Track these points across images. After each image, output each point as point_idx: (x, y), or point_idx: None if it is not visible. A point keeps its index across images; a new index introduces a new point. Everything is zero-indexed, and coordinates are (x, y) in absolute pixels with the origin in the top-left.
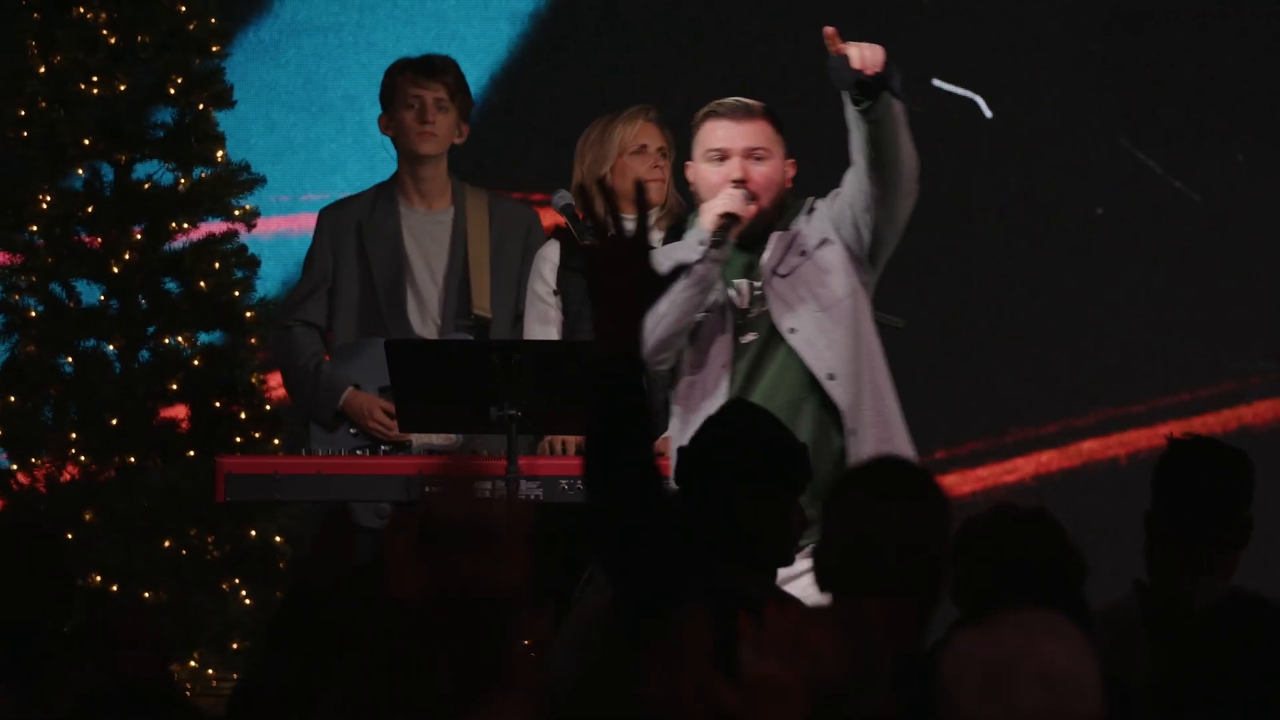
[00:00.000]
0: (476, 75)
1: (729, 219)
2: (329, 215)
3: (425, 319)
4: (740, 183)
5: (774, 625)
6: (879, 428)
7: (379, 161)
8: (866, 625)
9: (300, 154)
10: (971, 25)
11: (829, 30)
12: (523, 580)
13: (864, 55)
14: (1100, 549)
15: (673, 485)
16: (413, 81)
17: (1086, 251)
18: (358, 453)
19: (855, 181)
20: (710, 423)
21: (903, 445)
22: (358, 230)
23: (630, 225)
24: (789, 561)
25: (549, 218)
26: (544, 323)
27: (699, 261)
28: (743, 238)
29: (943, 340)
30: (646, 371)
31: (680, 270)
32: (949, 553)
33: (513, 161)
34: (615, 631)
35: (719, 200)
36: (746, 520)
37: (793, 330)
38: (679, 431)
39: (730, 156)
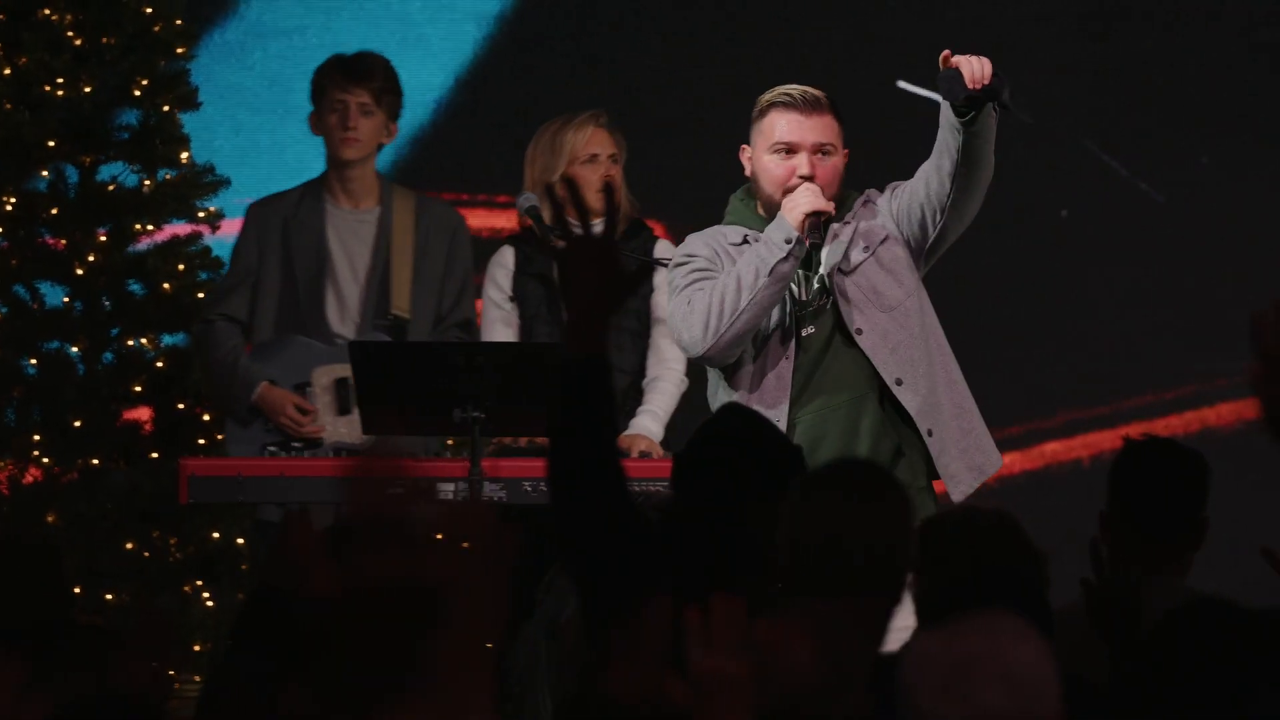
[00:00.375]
0: (442, 77)
1: (815, 217)
2: (256, 211)
3: (344, 317)
4: (808, 179)
5: (720, 619)
6: (960, 419)
7: None
8: (835, 627)
9: (265, 156)
10: (936, 26)
11: (945, 53)
12: (454, 579)
13: (974, 70)
14: (1064, 550)
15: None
16: (338, 85)
17: (1051, 253)
18: (269, 449)
19: (935, 181)
20: (706, 426)
21: (983, 436)
22: (284, 226)
23: (598, 227)
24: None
25: (510, 220)
26: (501, 326)
27: (784, 260)
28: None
29: None
30: (613, 372)
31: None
32: (912, 554)
33: (478, 163)
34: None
35: (802, 199)
36: (745, 522)
37: (859, 331)
38: None
39: (799, 151)
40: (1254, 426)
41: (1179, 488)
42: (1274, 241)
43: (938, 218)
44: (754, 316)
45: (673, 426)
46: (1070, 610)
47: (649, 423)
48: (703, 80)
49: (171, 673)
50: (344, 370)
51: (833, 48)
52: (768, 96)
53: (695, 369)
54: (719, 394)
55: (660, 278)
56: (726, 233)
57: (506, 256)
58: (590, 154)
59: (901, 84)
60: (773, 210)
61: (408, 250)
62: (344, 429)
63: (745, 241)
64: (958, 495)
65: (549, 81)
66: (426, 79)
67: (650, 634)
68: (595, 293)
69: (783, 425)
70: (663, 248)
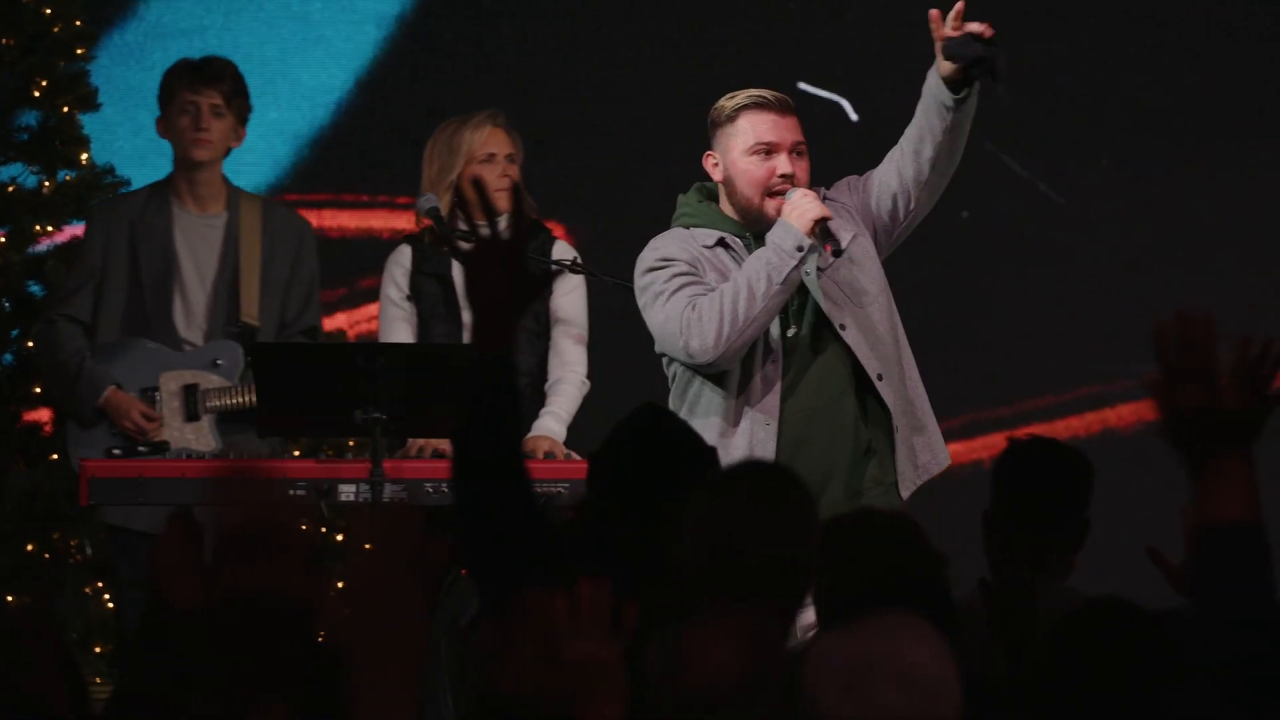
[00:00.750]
0: (343, 78)
1: (823, 222)
2: (102, 211)
3: (191, 323)
4: (788, 178)
5: (591, 605)
6: (921, 416)
7: (244, 165)
8: (753, 629)
9: (166, 157)
10: (838, 29)
11: (934, 13)
12: (322, 587)
13: (984, 27)
14: (967, 551)
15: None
16: (188, 87)
17: (952, 255)
18: (114, 453)
19: (910, 168)
20: (622, 426)
21: (935, 434)
22: (130, 229)
23: (504, 227)
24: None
25: (410, 222)
26: (397, 326)
27: (796, 268)
28: (765, 231)
29: None
30: (518, 373)
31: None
32: (815, 556)
33: (378, 164)
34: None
35: (808, 206)
36: (659, 522)
37: (844, 327)
38: (751, 428)
39: (779, 151)
40: (1153, 429)
41: (1062, 488)
42: (1172, 242)
43: (910, 205)
44: (765, 323)
45: (576, 428)
46: (969, 609)
47: (552, 424)
48: (601, 82)
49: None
50: (192, 376)
51: (734, 51)
52: (735, 101)
53: (604, 370)
54: (701, 397)
55: (558, 278)
56: (696, 235)
57: (404, 255)
58: (488, 153)
59: (802, 86)
60: (749, 213)
61: (255, 257)
62: (191, 435)
63: (721, 244)
64: (905, 492)
65: (449, 82)
66: (326, 80)
67: (531, 627)
68: (502, 294)
69: (773, 428)
70: (560, 249)
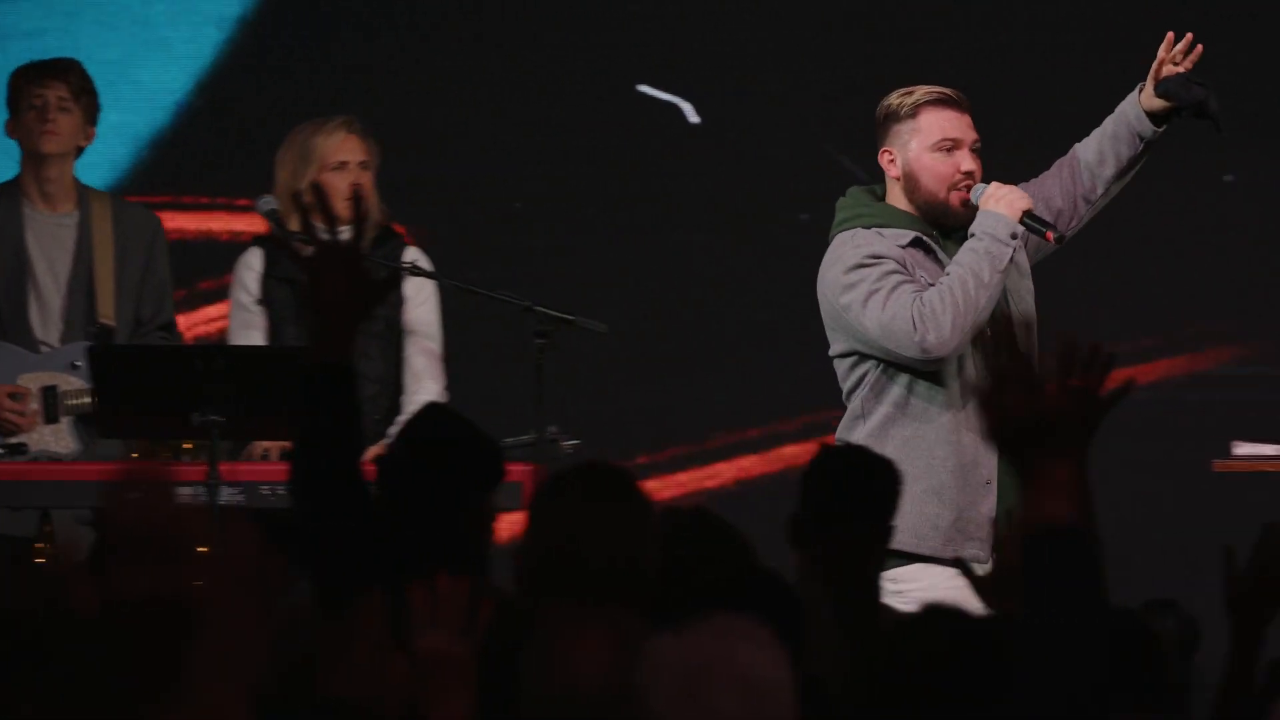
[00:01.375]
0: (183, 80)
1: (1030, 212)
2: None
3: (48, 324)
4: (970, 175)
5: (445, 600)
6: None
7: (84, 166)
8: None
9: (10, 158)
10: (677, 30)
11: (1169, 37)
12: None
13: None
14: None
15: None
16: (35, 82)
17: (791, 256)
18: None
19: (1084, 183)
20: (407, 428)
21: None
22: None
23: (345, 234)
24: (487, 562)
25: (250, 224)
26: (247, 330)
27: (1010, 256)
28: (944, 230)
29: (647, 344)
30: (357, 380)
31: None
32: (656, 557)
33: (218, 166)
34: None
35: (1015, 196)
36: (444, 522)
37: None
38: (917, 433)
39: (961, 147)
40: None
41: (868, 495)
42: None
43: (1070, 221)
44: (989, 313)
45: None
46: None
47: None
48: (443, 84)
49: None
50: (50, 378)
51: (575, 54)
52: (914, 96)
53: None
54: (913, 398)
55: (411, 287)
56: (887, 235)
57: (254, 259)
58: (339, 161)
59: (642, 88)
60: (933, 208)
61: (109, 256)
62: (50, 437)
63: (916, 243)
64: None
65: (290, 85)
66: (168, 82)
67: (366, 627)
68: (340, 300)
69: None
70: (411, 254)
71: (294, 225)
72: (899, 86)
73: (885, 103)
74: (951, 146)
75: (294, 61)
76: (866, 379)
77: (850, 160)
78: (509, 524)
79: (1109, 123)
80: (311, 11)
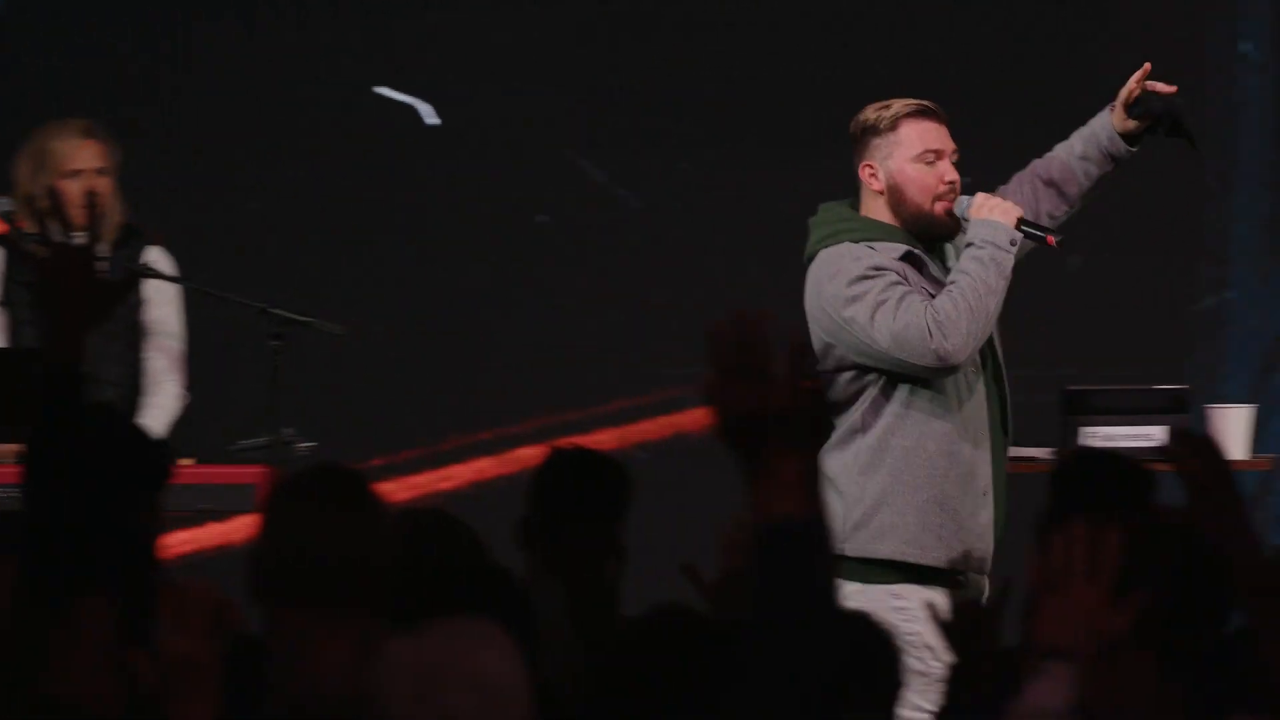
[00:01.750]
0: None
1: (1023, 218)
2: None
3: None
4: (953, 185)
5: (195, 604)
6: None
7: None
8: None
9: None
10: (417, 31)
11: (1146, 67)
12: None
13: (1169, 88)
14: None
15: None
16: None
17: (527, 259)
18: None
19: (1046, 201)
20: (55, 429)
21: None
22: None
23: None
24: (154, 564)
25: None
26: None
27: (1011, 263)
28: (927, 244)
29: (382, 346)
30: (91, 382)
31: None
32: (392, 561)
33: None
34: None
35: (1007, 205)
36: (98, 526)
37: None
38: (975, 440)
39: (942, 158)
40: (710, 431)
41: (595, 498)
42: (747, 245)
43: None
44: (995, 320)
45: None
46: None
47: None
48: (189, 85)
49: None
50: None
51: (315, 54)
52: (892, 110)
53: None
54: (912, 412)
55: (152, 287)
56: (879, 248)
57: None
58: (74, 168)
59: (379, 89)
60: (918, 220)
61: None
62: None
63: (908, 257)
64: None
65: (30, 86)
66: None
67: (89, 628)
68: (72, 302)
69: (987, 443)
70: (153, 254)
71: (30, 227)
72: (639, 89)
73: (861, 117)
74: (934, 158)
75: (35, 61)
76: (866, 393)
77: (591, 165)
78: (244, 527)
79: (1077, 143)
80: (52, 11)
